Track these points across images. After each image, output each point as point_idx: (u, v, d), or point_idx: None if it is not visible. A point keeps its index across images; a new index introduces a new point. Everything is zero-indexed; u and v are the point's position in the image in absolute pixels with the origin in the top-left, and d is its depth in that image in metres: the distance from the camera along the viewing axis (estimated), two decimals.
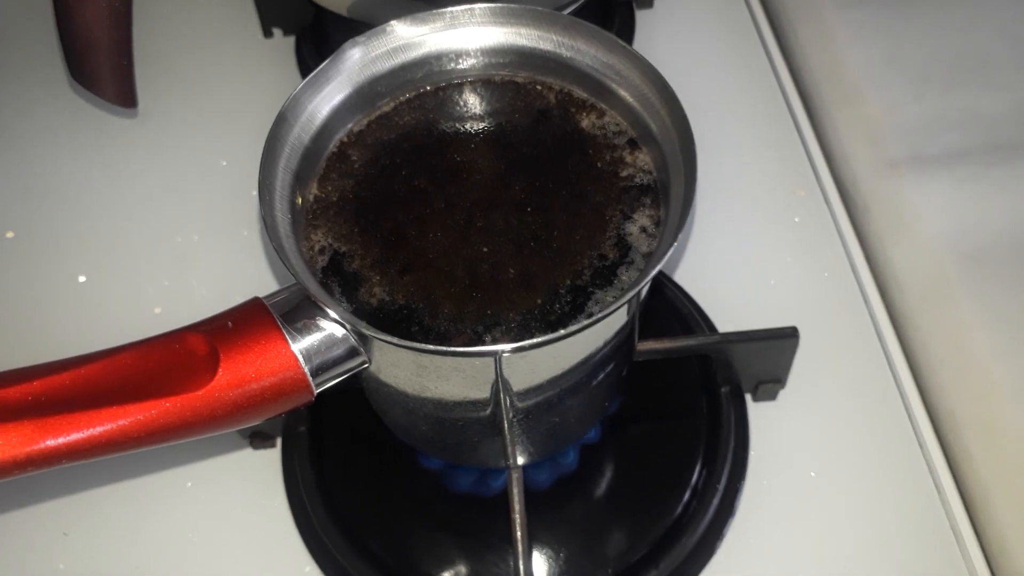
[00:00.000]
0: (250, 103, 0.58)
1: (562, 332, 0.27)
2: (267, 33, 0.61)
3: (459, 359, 0.29)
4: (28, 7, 0.63)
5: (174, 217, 0.54)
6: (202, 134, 0.57)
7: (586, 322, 0.27)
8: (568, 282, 0.31)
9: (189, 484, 0.45)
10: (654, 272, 0.28)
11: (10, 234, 0.54)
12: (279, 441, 0.45)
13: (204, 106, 0.58)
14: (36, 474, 0.26)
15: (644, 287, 0.29)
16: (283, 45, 0.61)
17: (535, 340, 0.27)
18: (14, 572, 0.43)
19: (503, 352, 0.27)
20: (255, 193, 0.53)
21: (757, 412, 0.45)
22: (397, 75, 0.35)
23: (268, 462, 0.45)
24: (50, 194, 0.55)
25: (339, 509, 0.42)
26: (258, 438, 0.45)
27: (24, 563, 0.43)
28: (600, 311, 0.28)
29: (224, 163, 0.56)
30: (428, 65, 0.35)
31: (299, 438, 0.44)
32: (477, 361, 0.29)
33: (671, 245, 0.28)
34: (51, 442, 0.25)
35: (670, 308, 0.48)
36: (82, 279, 0.52)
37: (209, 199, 0.54)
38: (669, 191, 0.32)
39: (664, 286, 0.48)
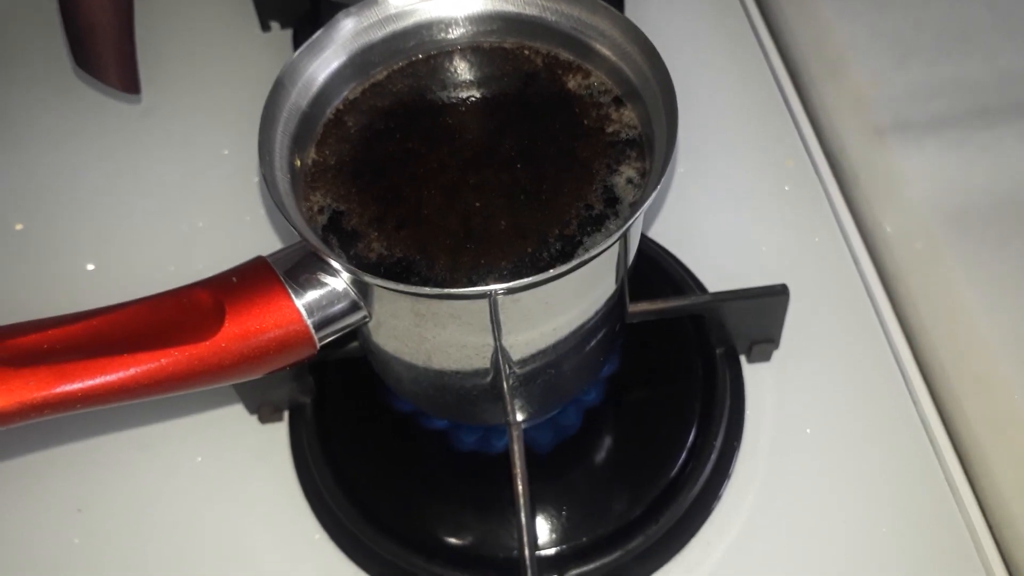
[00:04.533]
0: (250, 94, 0.58)
1: (551, 272, 0.28)
2: (265, 26, 0.62)
3: (455, 304, 0.30)
4: None
5: (178, 205, 0.55)
6: (204, 125, 0.58)
7: (573, 263, 0.28)
8: (557, 231, 0.32)
9: (199, 459, 0.46)
10: (639, 214, 0.29)
11: (19, 226, 0.55)
12: (286, 415, 0.46)
13: (205, 98, 0.60)
14: (54, 419, 0.27)
15: (630, 232, 0.31)
16: (281, 38, 0.62)
17: (525, 280, 0.28)
18: (31, 547, 0.44)
19: (495, 292, 0.28)
20: (256, 179, 0.55)
21: (752, 373, 0.47)
22: (389, 44, 0.36)
23: (275, 435, 0.46)
24: (57, 187, 0.56)
25: (345, 476, 0.43)
26: (265, 411, 0.46)
27: (40, 538, 0.44)
28: (587, 254, 0.29)
29: (226, 152, 0.57)
30: (419, 34, 0.37)
31: (305, 410, 0.45)
32: (473, 305, 0.30)
33: (655, 189, 0.29)
34: (66, 387, 0.26)
35: (664, 276, 0.49)
36: (90, 267, 0.53)
37: (212, 187, 0.56)
38: (653, 143, 0.33)
39: (658, 255, 0.50)
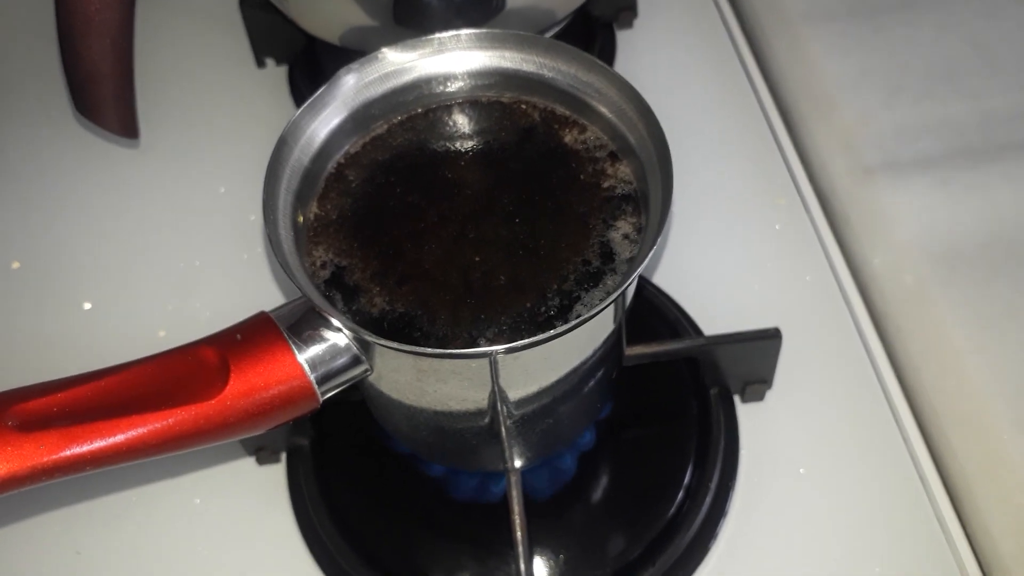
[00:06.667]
0: (246, 132, 0.60)
1: (551, 332, 0.29)
2: (260, 63, 0.63)
3: (456, 361, 0.30)
4: (34, 43, 0.65)
5: (176, 243, 0.55)
6: (201, 163, 0.59)
7: (573, 323, 0.29)
8: (555, 287, 0.33)
9: (197, 501, 0.46)
10: (636, 274, 0.30)
11: (16, 264, 0.55)
12: (283, 456, 0.47)
13: (202, 136, 0.60)
14: (62, 480, 0.28)
15: (627, 289, 0.31)
16: (276, 74, 0.63)
17: (526, 341, 0.29)
18: None
19: (496, 352, 0.29)
20: (253, 218, 0.56)
21: (746, 413, 0.47)
22: (389, 99, 0.37)
23: (273, 476, 0.46)
24: (55, 225, 0.57)
25: (343, 519, 0.44)
26: (263, 453, 0.46)
27: None
28: (586, 312, 0.30)
29: (222, 190, 0.58)
30: (418, 89, 0.37)
31: (302, 452, 0.46)
32: (473, 363, 0.30)
33: (651, 248, 0.30)
34: (76, 450, 0.27)
35: (658, 316, 0.49)
36: (87, 306, 0.53)
37: (209, 225, 0.56)
38: (649, 199, 0.33)
39: (652, 294, 0.50)
